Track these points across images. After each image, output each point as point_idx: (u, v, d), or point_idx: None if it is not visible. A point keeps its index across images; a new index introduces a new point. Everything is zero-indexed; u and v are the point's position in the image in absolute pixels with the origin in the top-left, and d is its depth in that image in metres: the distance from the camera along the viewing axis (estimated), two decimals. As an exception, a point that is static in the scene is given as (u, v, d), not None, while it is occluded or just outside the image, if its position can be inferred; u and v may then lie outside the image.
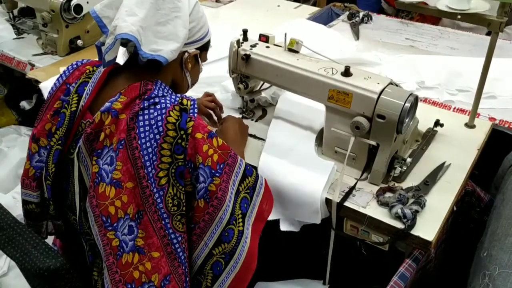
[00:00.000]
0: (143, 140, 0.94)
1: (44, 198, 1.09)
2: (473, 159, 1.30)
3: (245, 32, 1.37)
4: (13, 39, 2.11)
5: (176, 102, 0.98)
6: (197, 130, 0.97)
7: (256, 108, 1.54)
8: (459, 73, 1.73)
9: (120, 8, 0.99)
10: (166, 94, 1.02)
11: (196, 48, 1.12)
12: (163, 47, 1.00)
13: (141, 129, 0.95)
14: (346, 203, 1.16)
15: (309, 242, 1.37)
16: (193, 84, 1.20)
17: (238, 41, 1.36)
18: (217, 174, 0.98)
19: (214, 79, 1.65)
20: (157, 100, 0.98)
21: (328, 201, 1.18)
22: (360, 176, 1.22)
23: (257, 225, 1.09)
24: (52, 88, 1.11)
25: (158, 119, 0.95)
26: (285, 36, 1.32)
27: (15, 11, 2.23)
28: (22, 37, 2.13)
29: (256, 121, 1.50)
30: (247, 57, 1.32)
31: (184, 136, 0.95)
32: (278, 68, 1.29)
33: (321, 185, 1.18)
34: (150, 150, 0.94)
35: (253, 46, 1.35)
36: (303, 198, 1.19)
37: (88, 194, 0.97)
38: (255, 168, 1.24)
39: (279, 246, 1.41)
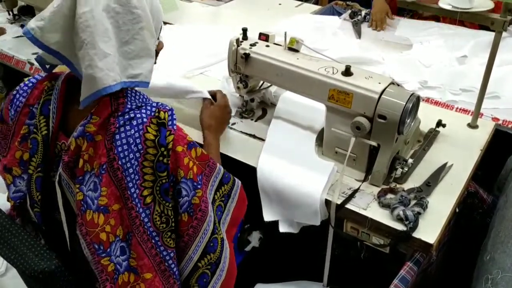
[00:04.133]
0: (123, 160, 0.90)
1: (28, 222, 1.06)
2: (475, 160, 1.28)
3: (244, 31, 1.36)
4: (13, 37, 2.10)
5: (152, 115, 0.93)
6: (177, 143, 0.93)
7: (256, 107, 1.53)
8: (463, 73, 1.72)
9: (82, 47, 0.87)
10: (140, 104, 0.96)
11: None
12: (140, 69, 0.93)
13: (120, 149, 0.90)
14: (346, 205, 1.15)
15: (308, 244, 1.36)
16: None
17: (237, 40, 1.34)
18: (199, 186, 0.95)
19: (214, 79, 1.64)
20: (132, 114, 0.93)
21: (327, 202, 1.16)
22: (364, 179, 1.21)
23: (230, 230, 1.07)
24: (11, 111, 1.03)
25: (136, 136, 0.91)
26: (285, 35, 1.30)
27: (15, 10, 2.23)
28: (22, 36, 2.12)
29: (256, 120, 1.49)
30: (246, 56, 1.31)
31: (165, 152, 0.91)
32: (278, 68, 1.27)
33: (320, 186, 1.17)
34: (131, 170, 0.90)
35: (253, 45, 1.34)
36: (302, 199, 1.17)
37: (76, 222, 0.93)
38: (255, 167, 1.22)
39: (279, 247, 1.40)
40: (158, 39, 1.03)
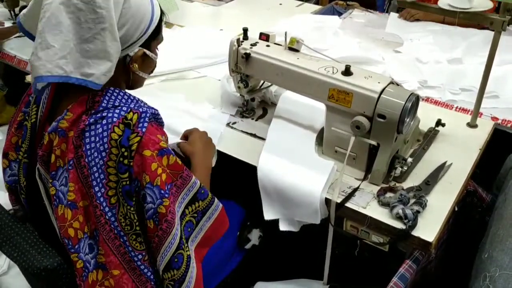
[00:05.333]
0: (89, 158, 0.90)
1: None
2: (475, 159, 1.29)
3: (245, 30, 1.37)
4: (14, 37, 2.11)
5: (124, 116, 0.92)
6: (145, 147, 0.91)
7: (257, 107, 1.54)
8: (463, 72, 1.73)
9: (36, 36, 0.90)
10: (118, 104, 0.95)
11: (142, 45, 1.00)
12: (95, 70, 0.90)
13: (87, 146, 0.90)
14: (346, 203, 1.15)
15: (309, 242, 1.37)
16: (151, 72, 1.11)
17: (238, 40, 1.35)
18: (166, 195, 0.92)
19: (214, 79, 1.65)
20: (104, 114, 0.92)
21: (327, 201, 1.17)
22: (364, 178, 1.21)
23: (200, 251, 1.02)
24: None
25: (104, 135, 0.90)
26: (286, 34, 1.31)
27: (16, 9, 2.23)
28: (23, 36, 2.12)
29: (256, 120, 1.49)
30: (247, 56, 1.31)
31: (126, 153, 0.90)
32: (278, 67, 1.28)
33: (320, 185, 1.18)
34: (97, 168, 0.90)
35: (253, 45, 1.34)
36: (302, 197, 1.18)
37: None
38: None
39: (279, 246, 1.40)
40: (139, 41, 0.99)
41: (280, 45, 1.34)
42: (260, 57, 1.31)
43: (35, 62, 0.89)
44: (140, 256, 0.93)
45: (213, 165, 1.22)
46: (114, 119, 0.92)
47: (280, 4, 2.46)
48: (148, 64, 1.06)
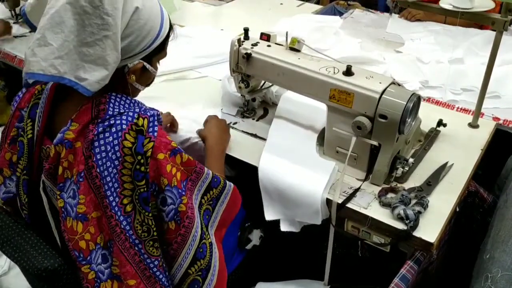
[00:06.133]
0: (101, 168, 0.89)
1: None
2: (476, 160, 1.28)
3: (246, 30, 1.36)
4: (15, 37, 2.11)
5: (133, 121, 0.91)
6: (158, 150, 0.91)
7: (257, 107, 1.53)
8: (464, 72, 1.72)
9: (37, 30, 0.88)
10: (123, 110, 0.94)
11: (143, 58, 0.99)
12: (89, 76, 0.88)
13: (98, 156, 0.89)
14: (347, 204, 1.15)
15: (309, 243, 1.36)
16: (148, 85, 1.09)
17: (239, 40, 1.35)
18: (183, 193, 0.94)
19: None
20: (112, 121, 0.91)
21: (328, 202, 1.17)
22: (365, 178, 1.21)
23: (219, 232, 1.06)
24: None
25: (115, 143, 0.89)
26: (287, 34, 1.31)
27: (17, 9, 2.23)
28: (24, 35, 2.13)
29: (257, 120, 1.49)
30: (248, 56, 1.31)
31: (142, 161, 0.89)
32: (279, 67, 1.28)
33: (321, 185, 1.17)
34: (110, 177, 0.89)
35: (254, 45, 1.34)
36: (303, 198, 1.18)
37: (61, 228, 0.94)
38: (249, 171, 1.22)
39: (280, 246, 1.40)
40: (141, 54, 0.97)
41: (281, 45, 1.33)
42: (261, 57, 1.31)
43: (30, 57, 0.87)
44: (156, 262, 0.93)
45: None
46: (124, 126, 0.91)
47: (281, 4, 2.46)
48: (146, 77, 1.04)
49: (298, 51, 1.30)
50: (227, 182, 1.07)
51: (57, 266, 0.95)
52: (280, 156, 1.28)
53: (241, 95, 1.47)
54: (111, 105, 0.93)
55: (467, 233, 1.36)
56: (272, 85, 1.50)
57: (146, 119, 0.92)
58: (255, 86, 1.46)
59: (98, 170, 0.89)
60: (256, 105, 1.53)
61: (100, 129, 0.90)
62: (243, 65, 1.34)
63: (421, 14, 2.14)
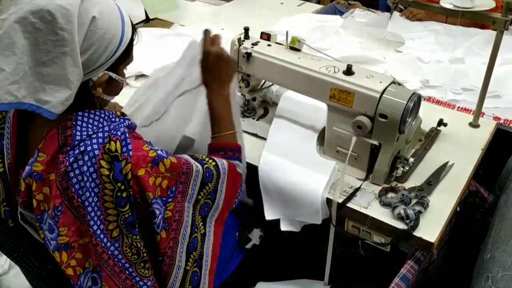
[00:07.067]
0: (82, 198, 0.85)
1: None
2: (477, 159, 1.28)
3: (246, 30, 1.36)
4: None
5: (104, 143, 0.86)
6: (138, 167, 0.87)
7: (258, 106, 1.53)
8: (465, 72, 1.72)
9: None
10: (92, 131, 0.88)
11: (108, 68, 0.90)
12: (51, 97, 0.80)
13: (77, 186, 0.85)
14: (347, 203, 1.15)
15: (310, 242, 1.36)
16: (117, 94, 1.00)
17: (239, 39, 1.34)
18: (169, 200, 0.91)
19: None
20: (82, 147, 0.85)
21: (329, 201, 1.17)
22: (365, 178, 1.21)
23: (222, 216, 1.07)
24: None
25: (91, 171, 0.84)
26: (287, 34, 1.30)
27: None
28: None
29: (257, 120, 1.49)
30: (248, 56, 1.31)
31: (122, 187, 0.85)
32: (280, 67, 1.27)
33: (322, 184, 1.17)
34: (92, 206, 0.85)
35: (255, 44, 1.34)
36: (303, 197, 1.18)
37: None
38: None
39: (280, 246, 1.40)
40: (105, 65, 0.89)
41: (282, 44, 1.33)
42: (261, 56, 1.30)
43: None
44: (149, 283, 0.92)
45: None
46: (96, 152, 0.85)
47: (281, 3, 2.46)
48: (113, 87, 0.96)
49: (298, 50, 1.30)
50: (220, 166, 1.03)
51: (56, 265, 0.95)
52: (280, 155, 1.28)
53: (241, 94, 1.47)
54: (78, 127, 0.87)
55: (467, 233, 1.36)
56: (272, 85, 1.49)
57: (117, 141, 0.86)
58: (255, 86, 1.46)
59: (79, 200, 0.86)
60: (256, 104, 1.53)
61: (72, 158, 0.85)
62: (244, 64, 1.34)
63: (422, 14, 2.14)
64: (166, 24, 2.18)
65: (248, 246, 1.34)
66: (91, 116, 0.90)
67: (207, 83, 1.15)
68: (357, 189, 1.18)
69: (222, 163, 1.05)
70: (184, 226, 0.95)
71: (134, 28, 0.95)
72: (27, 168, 0.87)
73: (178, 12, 2.26)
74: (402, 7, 2.20)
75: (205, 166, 1.01)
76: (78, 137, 0.86)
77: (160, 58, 1.59)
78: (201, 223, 1.01)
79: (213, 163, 1.03)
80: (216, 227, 1.06)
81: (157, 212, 0.90)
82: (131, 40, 0.94)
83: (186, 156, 1.00)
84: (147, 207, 0.90)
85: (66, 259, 0.88)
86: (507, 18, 1.20)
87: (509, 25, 1.22)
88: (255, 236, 1.36)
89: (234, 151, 1.13)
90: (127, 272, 0.89)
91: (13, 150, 0.92)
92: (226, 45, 1.36)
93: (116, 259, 0.88)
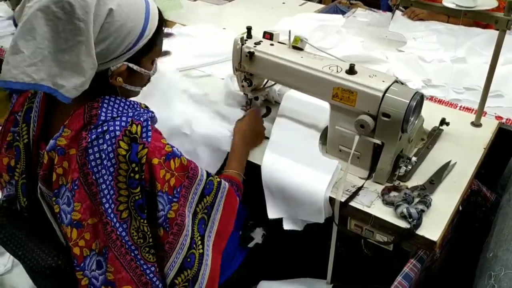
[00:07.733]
0: (97, 175, 0.88)
1: None
2: (479, 158, 1.28)
3: (249, 29, 1.36)
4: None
5: (126, 126, 0.90)
6: (153, 155, 0.90)
7: (260, 106, 1.53)
8: (467, 71, 1.72)
9: (11, 40, 0.85)
10: (116, 114, 0.92)
11: (129, 59, 0.94)
12: (66, 82, 0.85)
13: (93, 163, 0.89)
14: (350, 202, 1.15)
15: (312, 241, 1.36)
16: (145, 85, 1.06)
17: (242, 39, 1.35)
18: (175, 199, 0.93)
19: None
20: (105, 127, 0.90)
21: (331, 200, 1.17)
22: (368, 177, 1.21)
23: (218, 244, 1.05)
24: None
25: (109, 150, 0.88)
26: (289, 33, 1.31)
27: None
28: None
29: (260, 119, 1.49)
30: (251, 55, 1.31)
31: (136, 168, 0.89)
32: (282, 66, 1.27)
33: (324, 183, 1.17)
34: (106, 184, 0.88)
35: (257, 43, 1.34)
36: (306, 196, 1.18)
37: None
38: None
39: (283, 245, 1.40)
40: (122, 57, 0.93)
41: (284, 44, 1.33)
42: (264, 55, 1.31)
43: (3, 65, 0.85)
44: (152, 269, 0.93)
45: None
46: (117, 133, 0.89)
47: (283, 3, 2.46)
48: (137, 78, 1.00)
49: (301, 49, 1.30)
50: (222, 185, 1.06)
51: (60, 263, 0.95)
52: (283, 154, 1.28)
53: (244, 93, 1.47)
54: (104, 109, 0.92)
55: (469, 231, 1.36)
56: (275, 84, 1.50)
57: (139, 126, 0.91)
58: (258, 85, 1.46)
59: (94, 177, 0.89)
60: (259, 103, 1.53)
61: (94, 136, 0.89)
62: (246, 63, 1.34)
63: (424, 14, 2.14)
64: (168, 24, 2.18)
65: (251, 245, 1.35)
66: (117, 101, 0.95)
67: (238, 132, 1.31)
68: (359, 188, 1.18)
69: (225, 184, 1.08)
70: (184, 235, 0.94)
71: (162, 21, 0.98)
72: (52, 141, 0.91)
73: (180, 11, 2.26)
74: (402, 9, 2.20)
75: (209, 178, 1.03)
76: (102, 117, 0.91)
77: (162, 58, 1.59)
78: (200, 241, 0.99)
79: (217, 180, 1.06)
80: (214, 251, 1.04)
81: (160, 206, 0.91)
82: (157, 33, 0.96)
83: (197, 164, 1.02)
84: (153, 197, 0.91)
85: (75, 237, 0.90)
86: (509, 17, 1.20)
87: (512, 24, 1.22)
88: (258, 235, 1.36)
89: (238, 187, 1.16)
90: (133, 255, 0.91)
91: (39, 124, 0.97)
92: (228, 44, 1.37)
93: (123, 240, 0.90)
